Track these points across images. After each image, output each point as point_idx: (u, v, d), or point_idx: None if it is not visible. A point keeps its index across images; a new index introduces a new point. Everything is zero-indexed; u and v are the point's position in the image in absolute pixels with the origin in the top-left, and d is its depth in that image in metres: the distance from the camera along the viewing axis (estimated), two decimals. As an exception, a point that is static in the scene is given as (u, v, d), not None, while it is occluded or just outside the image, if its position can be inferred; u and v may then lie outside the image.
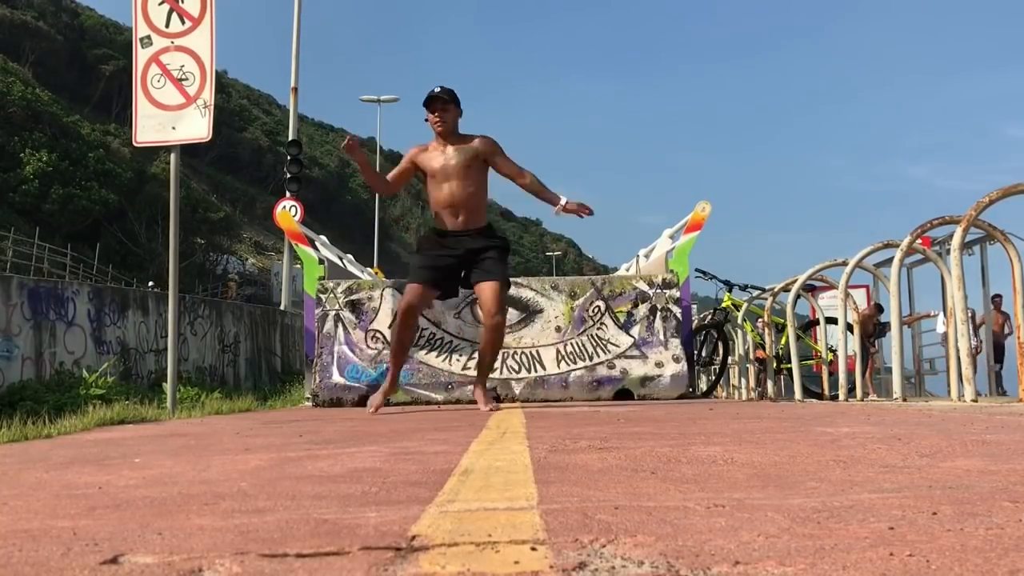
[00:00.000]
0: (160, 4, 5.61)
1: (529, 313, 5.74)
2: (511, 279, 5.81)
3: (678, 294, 5.77)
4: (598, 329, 5.71)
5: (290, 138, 20.14)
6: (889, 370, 7.83)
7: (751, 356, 7.57)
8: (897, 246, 4.85)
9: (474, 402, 4.62)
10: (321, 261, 6.39)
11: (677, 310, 5.73)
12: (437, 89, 4.44)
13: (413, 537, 1.09)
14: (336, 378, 5.65)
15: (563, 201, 4.45)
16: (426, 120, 4.47)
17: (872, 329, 10.60)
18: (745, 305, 7.20)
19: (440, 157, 4.42)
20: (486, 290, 4.29)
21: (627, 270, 8.28)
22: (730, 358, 7.44)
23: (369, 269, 10.49)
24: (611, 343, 5.68)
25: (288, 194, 18.31)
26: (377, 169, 5.32)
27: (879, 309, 10.81)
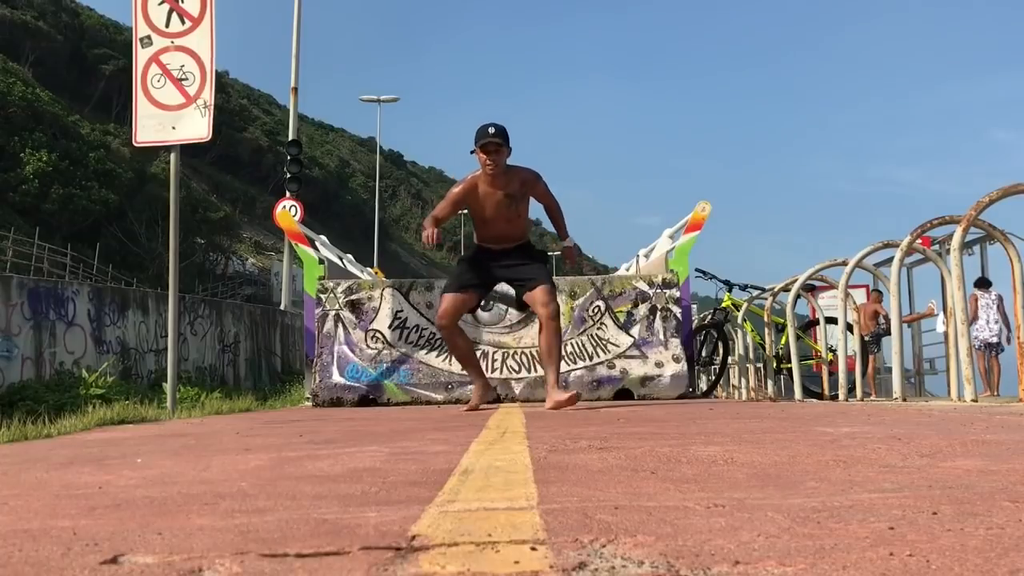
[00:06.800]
0: (160, 4, 5.61)
1: (529, 313, 5.73)
2: None
3: (678, 294, 5.77)
4: (598, 329, 5.71)
5: (290, 138, 20.15)
6: (889, 370, 7.82)
7: (751, 356, 7.56)
8: (897, 246, 4.85)
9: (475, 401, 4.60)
10: (321, 261, 6.38)
11: (677, 310, 5.73)
12: (491, 130, 4.35)
13: (413, 537, 1.08)
14: (336, 378, 5.65)
15: (568, 241, 4.79)
16: (472, 152, 4.41)
17: (878, 327, 10.50)
18: (745, 305, 7.19)
19: (491, 200, 4.46)
20: (538, 291, 4.39)
21: (627, 270, 8.27)
22: (730, 358, 7.44)
23: (369, 269, 10.50)
24: (611, 343, 5.68)
25: (288, 194, 18.32)
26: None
27: (879, 296, 10.72)
